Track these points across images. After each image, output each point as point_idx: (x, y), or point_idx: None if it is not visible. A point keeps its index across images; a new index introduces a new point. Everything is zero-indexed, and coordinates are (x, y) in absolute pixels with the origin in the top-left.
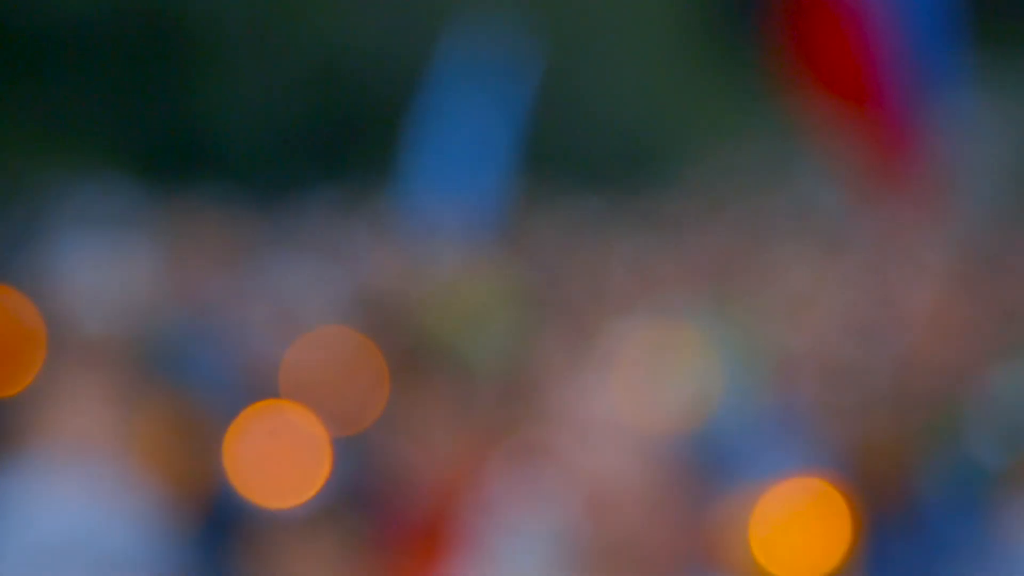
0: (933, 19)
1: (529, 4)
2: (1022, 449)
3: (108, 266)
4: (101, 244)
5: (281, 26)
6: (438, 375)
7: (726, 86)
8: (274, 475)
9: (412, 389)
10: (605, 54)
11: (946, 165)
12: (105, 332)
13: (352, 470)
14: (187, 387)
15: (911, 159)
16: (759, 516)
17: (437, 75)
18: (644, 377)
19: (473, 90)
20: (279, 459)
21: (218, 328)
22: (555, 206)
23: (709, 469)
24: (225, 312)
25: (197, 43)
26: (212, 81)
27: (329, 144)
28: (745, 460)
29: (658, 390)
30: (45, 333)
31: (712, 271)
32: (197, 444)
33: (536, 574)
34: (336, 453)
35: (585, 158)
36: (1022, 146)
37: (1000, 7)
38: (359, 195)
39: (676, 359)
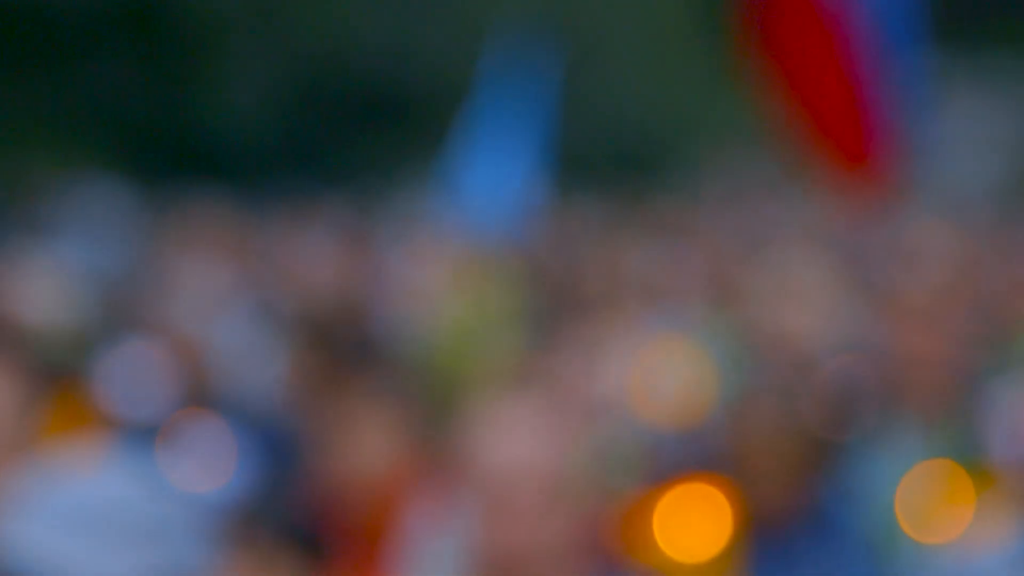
0: (909, 24)
1: (537, 10)
2: (1019, 448)
3: (92, 259)
4: (92, 240)
5: (281, 23)
6: (384, 380)
7: (731, 93)
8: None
9: (355, 394)
10: (611, 60)
11: (928, 165)
12: (45, 324)
13: (282, 473)
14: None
15: (893, 161)
16: (661, 508)
17: (453, 77)
18: (642, 375)
19: (497, 93)
20: (204, 458)
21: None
22: (562, 210)
23: (662, 466)
24: (205, 310)
25: (197, 40)
26: (211, 80)
27: (329, 142)
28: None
29: (655, 388)
30: None
31: (713, 273)
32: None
33: None
34: (261, 455)
35: (592, 163)
36: (1017, 144)
37: (997, 6)
38: (359, 194)
39: (673, 360)
